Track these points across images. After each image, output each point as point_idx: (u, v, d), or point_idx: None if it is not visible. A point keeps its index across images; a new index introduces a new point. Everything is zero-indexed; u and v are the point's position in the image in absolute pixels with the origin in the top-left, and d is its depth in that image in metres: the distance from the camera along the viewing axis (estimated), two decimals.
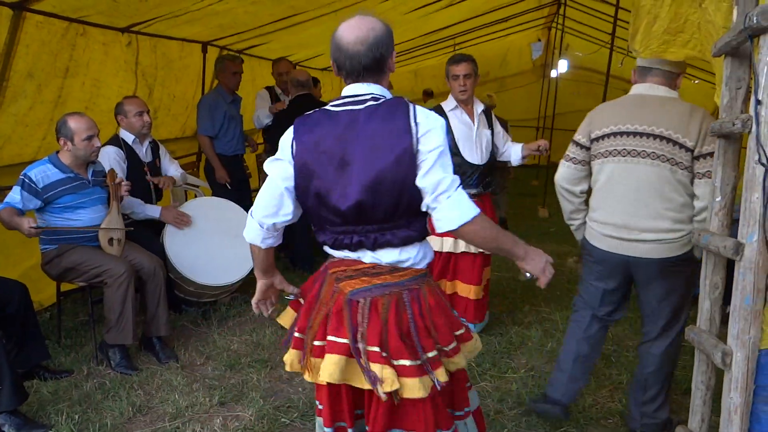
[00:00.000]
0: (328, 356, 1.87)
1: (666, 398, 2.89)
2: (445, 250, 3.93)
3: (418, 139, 1.77)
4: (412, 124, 1.77)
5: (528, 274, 1.97)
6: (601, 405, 3.26)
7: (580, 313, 3.02)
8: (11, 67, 3.70)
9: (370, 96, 1.85)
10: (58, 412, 3.04)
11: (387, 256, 1.91)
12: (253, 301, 2.17)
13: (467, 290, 4.00)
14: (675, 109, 2.58)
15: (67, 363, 3.59)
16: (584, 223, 2.95)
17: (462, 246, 3.90)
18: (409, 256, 1.93)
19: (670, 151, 2.55)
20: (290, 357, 2.00)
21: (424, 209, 1.83)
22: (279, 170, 1.90)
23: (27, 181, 3.35)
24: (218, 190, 5.19)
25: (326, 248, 2.01)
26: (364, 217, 1.84)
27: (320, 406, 2.06)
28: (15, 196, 3.34)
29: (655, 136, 2.57)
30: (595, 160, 2.79)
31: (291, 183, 1.89)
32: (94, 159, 3.57)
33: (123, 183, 3.68)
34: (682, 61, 2.66)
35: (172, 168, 4.41)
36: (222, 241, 4.33)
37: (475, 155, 3.99)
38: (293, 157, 1.87)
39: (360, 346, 1.84)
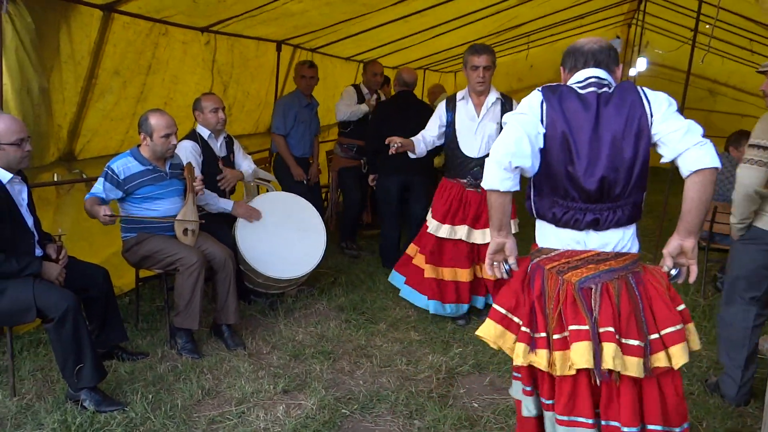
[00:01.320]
0: (575, 345, 2.00)
1: None
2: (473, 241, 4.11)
3: (651, 111, 2.00)
4: (644, 100, 2.02)
5: (673, 270, 2.04)
6: None
7: (739, 305, 3.18)
8: (100, 65, 3.93)
9: (606, 81, 2.09)
10: (134, 391, 3.21)
11: (612, 237, 2.07)
12: (486, 263, 2.22)
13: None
14: None
15: (143, 345, 3.78)
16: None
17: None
18: (628, 240, 2.10)
19: None
20: (539, 358, 2.07)
21: (670, 157, 1.98)
22: (523, 120, 2.04)
23: (110, 173, 3.55)
24: (287, 188, 5.33)
25: (544, 225, 2.15)
26: (604, 194, 2.03)
27: (546, 401, 2.16)
28: (99, 187, 3.55)
29: None
30: None
31: (533, 133, 2.02)
32: (170, 155, 3.74)
33: (198, 179, 3.82)
34: None
35: (245, 163, 4.56)
36: (290, 235, 4.44)
37: (472, 148, 4.04)
38: (543, 118, 2.05)
39: (595, 329, 2.00)
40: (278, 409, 3.09)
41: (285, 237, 4.42)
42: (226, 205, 4.21)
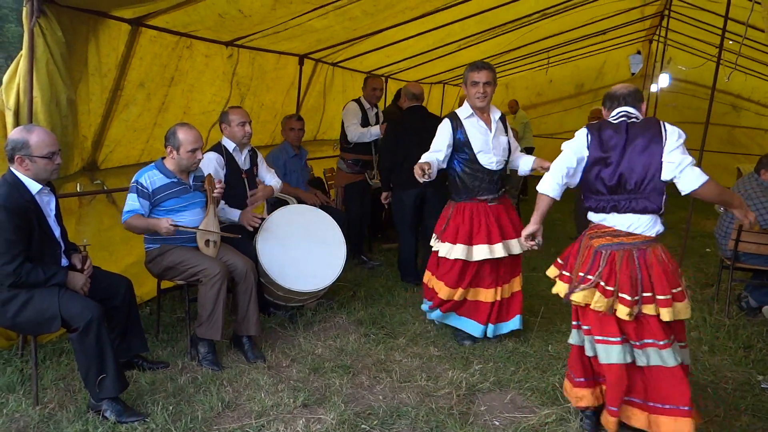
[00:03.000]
0: (582, 287, 2.89)
1: None
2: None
3: (666, 139, 2.79)
4: (663, 129, 2.83)
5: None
6: None
7: None
8: (126, 77, 3.98)
9: (634, 115, 2.95)
10: (155, 402, 3.22)
11: (626, 221, 2.88)
12: (523, 235, 3.16)
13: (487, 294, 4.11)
14: None
15: (163, 356, 3.79)
16: None
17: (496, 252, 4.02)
18: (640, 223, 2.87)
19: None
20: (581, 297, 2.89)
21: (669, 178, 2.78)
22: (574, 148, 2.95)
23: (139, 187, 3.57)
24: None
25: (590, 213, 3.05)
26: (620, 188, 2.86)
27: (585, 327, 2.99)
28: (134, 203, 3.56)
29: None
30: None
31: (580, 156, 2.93)
32: (194, 170, 3.78)
33: (218, 185, 3.84)
34: None
35: (268, 176, 4.59)
36: (310, 249, 4.45)
37: (491, 162, 4.01)
38: (588, 146, 2.92)
39: (599, 281, 2.84)
40: (298, 423, 3.08)
41: (305, 250, 4.42)
42: (233, 215, 4.25)
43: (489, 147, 4.01)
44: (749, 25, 4.46)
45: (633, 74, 11.23)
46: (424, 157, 3.96)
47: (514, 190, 7.65)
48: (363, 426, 3.09)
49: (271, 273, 4.19)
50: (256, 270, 3.92)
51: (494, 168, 4.03)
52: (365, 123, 5.88)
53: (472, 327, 4.14)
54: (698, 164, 5.65)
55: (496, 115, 4.08)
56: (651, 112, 8.73)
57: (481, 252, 3.99)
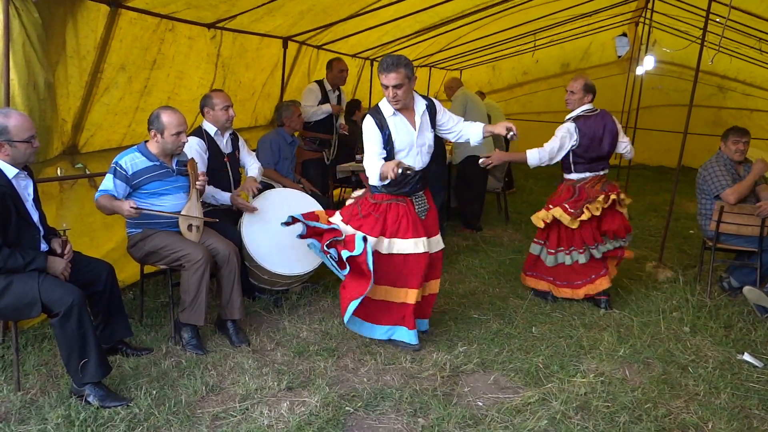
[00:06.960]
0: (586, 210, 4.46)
1: None
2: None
3: (617, 125, 4.56)
4: (616, 121, 4.56)
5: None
6: (675, 415, 3.13)
7: None
8: (106, 60, 3.92)
9: (597, 109, 4.55)
10: (138, 386, 3.21)
11: (601, 172, 4.57)
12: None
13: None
14: None
15: (147, 341, 3.78)
16: None
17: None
18: (603, 171, 4.62)
19: None
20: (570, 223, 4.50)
21: (620, 151, 4.66)
22: (567, 135, 4.44)
23: (118, 168, 3.53)
24: None
25: (578, 175, 4.56)
26: (600, 159, 4.53)
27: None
28: (109, 184, 3.53)
29: None
30: None
31: (570, 143, 4.45)
32: (178, 153, 3.74)
33: (201, 177, 3.79)
34: None
35: (249, 160, 4.55)
36: (296, 233, 4.42)
37: (415, 162, 3.69)
38: (576, 135, 4.41)
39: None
40: (282, 406, 3.09)
41: (290, 234, 4.40)
42: (224, 198, 4.24)
43: (413, 148, 3.68)
44: (733, 7, 4.46)
45: (619, 57, 11.19)
46: (372, 166, 3.61)
47: (500, 174, 7.64)
48: (347, 408, 3.10)
49: (257, 257, 4.18)
50: (239, 254, 3.90)
51: (416, 168, 3.70)
52: None
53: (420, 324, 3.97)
54: (682, 146, 5.73)
55: (420, 107, 3.71)
56: (636, 96, 8.74)
57: (414, 244, 3.70)
